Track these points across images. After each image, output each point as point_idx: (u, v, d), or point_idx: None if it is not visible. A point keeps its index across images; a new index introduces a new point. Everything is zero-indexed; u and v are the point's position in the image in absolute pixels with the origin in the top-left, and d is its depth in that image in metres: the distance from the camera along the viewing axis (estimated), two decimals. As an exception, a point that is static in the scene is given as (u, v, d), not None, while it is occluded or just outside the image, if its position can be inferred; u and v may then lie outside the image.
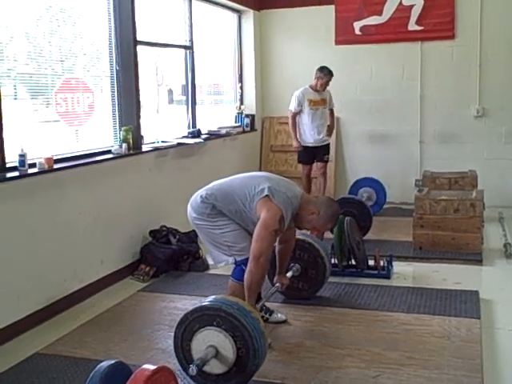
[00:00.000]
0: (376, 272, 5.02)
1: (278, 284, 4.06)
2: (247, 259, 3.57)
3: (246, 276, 3.55)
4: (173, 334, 3.21)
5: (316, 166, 7.27)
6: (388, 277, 4.98)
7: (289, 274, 4.23)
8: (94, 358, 3.49)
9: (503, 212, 7.05)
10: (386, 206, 7.35)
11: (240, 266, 3.68)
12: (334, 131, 7.49)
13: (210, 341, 3.06)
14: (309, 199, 3.80)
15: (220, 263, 3.80)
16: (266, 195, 3.57)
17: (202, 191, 3.81)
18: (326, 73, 6.92)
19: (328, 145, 7.25)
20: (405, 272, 5.19)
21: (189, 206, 3.85)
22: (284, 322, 4.08)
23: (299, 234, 4.35)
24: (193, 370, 2.98)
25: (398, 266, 5.23)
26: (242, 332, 3.02)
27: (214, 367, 3.07)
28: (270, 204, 3.55)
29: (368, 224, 6.00)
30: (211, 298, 3.23)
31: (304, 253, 4.35)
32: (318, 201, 3.81)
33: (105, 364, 2.63)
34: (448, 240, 5.65)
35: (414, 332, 3.87)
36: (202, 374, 3.08)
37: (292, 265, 4.31)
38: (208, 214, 3.71)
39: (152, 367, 2.54)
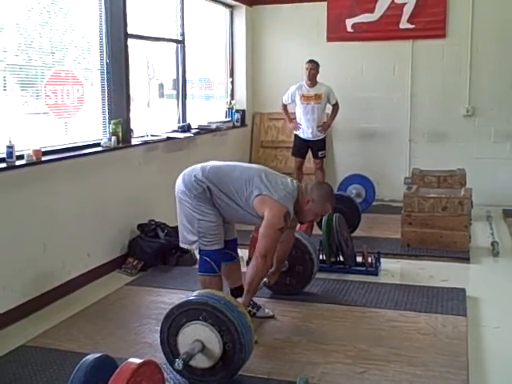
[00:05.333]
0: (364, 269, 5.04)
1: (265, 279, 4.06)
2: (210, 252, 3.69)
3: (249, 271, 3.59)
4: (159, 328, 3.20)
5: (313, 162, 7.50)
6: (376, 273, 5.00)
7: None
8: (80, 350, 3.48)
9: (491, 210, 7.08)
10: (374, 203, 7.36)
11: (202, 258, 3.76)
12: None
13: (197, 335, 3.06)
14: (301, 190, 3.79)
15: (184, 244, 3.84)
16: (264, 193, 3.59)
17: (198, 170, 3.77)
18: (307, 61, 7.14)
19: (322, 140, 7.35)
20: (392, 269, 5.20)
21: (180, 177, 3.83)
22: (271, 317, 4.08)
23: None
24: (179, 364, 2.98)
25: (386, 263, 5.25)
26: (229, 326, 3.02)
27: (200, 361, 3.07)
28: (271, 202, 3.56)
29: (356, 221, 6.01)
30: (197, 292, 3.23)
31: (292, 249, 4.36)
32: (308, 188, 3.81)
33: (90, 357, 2.63)
34: (436, 238, 5.67)
35: (401, 329, 3.88)
36: (188, 368, 3.08)
37: None
38: (195, 196, 3.70)
39: (138, 361, 2.54)
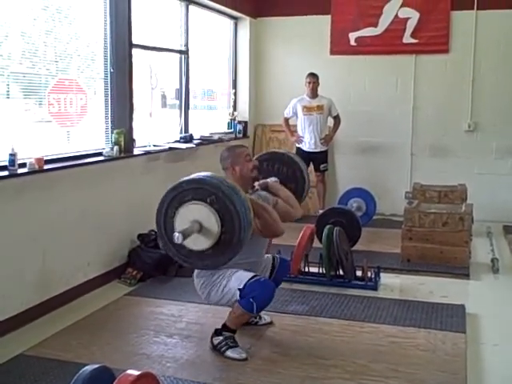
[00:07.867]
0: (363, 283, 5.02)
1: (261, 181, 3.99)
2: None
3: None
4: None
5: (314, 175, 7.44)
6: (375, 288, 4.98)
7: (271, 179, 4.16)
8: (78, 361, 3.46)
9: (491, 227, 7.07)
10: (375, 217, 7.36)
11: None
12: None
13: (197, 216, 2.94)
14: (228, 174, 3.82)
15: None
16: None
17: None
18: (308, 75, 7.32)
19: (324, 153, 7.42)
20: (392, 284, 5.19)
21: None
22: (270, 323, 4.16)
23: (280, 148, 4.28)
24: (178, 237, 2.89)
25: (386, 278, 5.24)
26: (233, 217, 2.90)
27: (191, 243, 2.98)
28: None
29: (357, 234, 5.99)
30: (211, 174, 3.09)
31: (283, 166, 4.30)
32: (223, 164, 3.91)
33: (88, 368, 2.61)
34: (436, 253, 5.66)
35: (399, 344, 3.87)
36: (177, 245, 2.99)
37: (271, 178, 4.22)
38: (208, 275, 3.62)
39: (136, 372, 2.52)
